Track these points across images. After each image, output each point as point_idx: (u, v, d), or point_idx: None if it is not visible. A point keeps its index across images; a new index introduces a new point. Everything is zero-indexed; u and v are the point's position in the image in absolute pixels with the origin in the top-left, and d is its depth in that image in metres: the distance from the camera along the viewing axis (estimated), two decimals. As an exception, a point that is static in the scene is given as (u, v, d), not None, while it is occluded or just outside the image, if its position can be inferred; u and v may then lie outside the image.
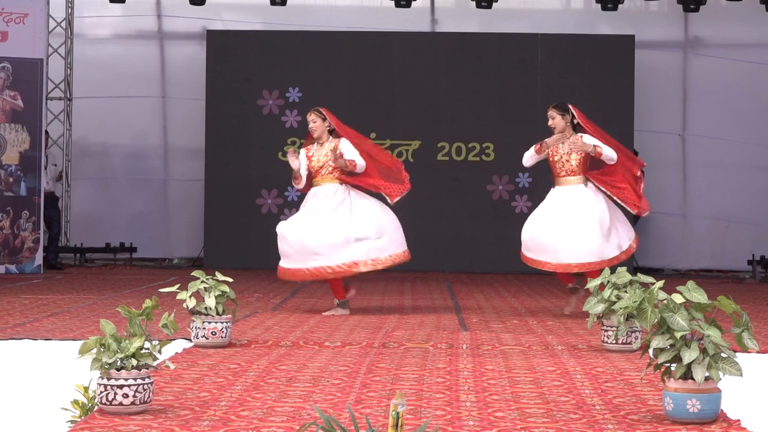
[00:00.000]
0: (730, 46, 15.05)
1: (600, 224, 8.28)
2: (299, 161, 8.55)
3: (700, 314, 4.26)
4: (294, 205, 14.58)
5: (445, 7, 15.57)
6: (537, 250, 8.46)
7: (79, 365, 4.65)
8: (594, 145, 8.33)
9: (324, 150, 8.50)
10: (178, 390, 4.88)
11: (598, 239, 8.26)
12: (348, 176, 8.48)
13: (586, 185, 8.46)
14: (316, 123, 8.52)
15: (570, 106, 8.56)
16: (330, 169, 8.46)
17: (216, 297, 6.49)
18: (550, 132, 15.17)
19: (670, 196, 15.04)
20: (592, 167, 8.51)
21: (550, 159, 8.52)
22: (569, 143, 8.42)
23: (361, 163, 8.41)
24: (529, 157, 8.58)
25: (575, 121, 8.51)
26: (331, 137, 8.56)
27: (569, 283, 8.55)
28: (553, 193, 8.54)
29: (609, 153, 8.35)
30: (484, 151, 14.58)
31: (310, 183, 8.61)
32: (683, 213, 15.15)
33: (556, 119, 8.52)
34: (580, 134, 8.44)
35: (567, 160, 8.44)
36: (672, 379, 4.22)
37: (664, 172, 14.97)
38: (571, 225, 8.27)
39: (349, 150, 8.45)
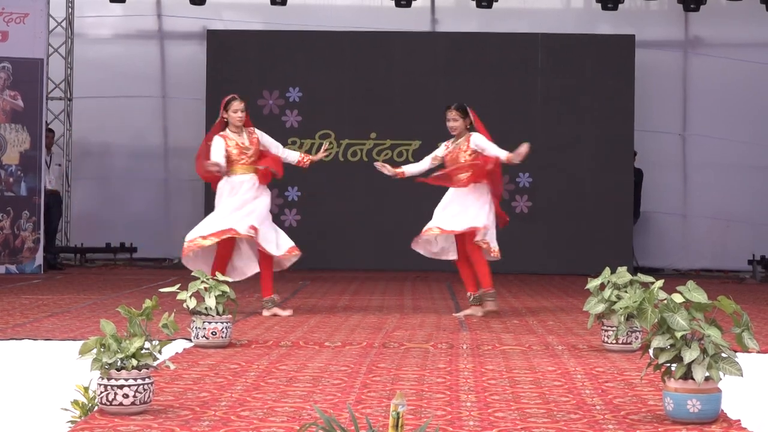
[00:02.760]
0: (731, 45, 15.04)
1: None
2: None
3: (701, 314, 4.26)
4: (294, 205, 14.58)
5: (446, 7, 15.57)
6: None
7: (80, 365, 4.65)
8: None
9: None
10: (179, 390, 4.89)
11: None
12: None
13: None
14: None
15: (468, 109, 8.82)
16: None
17: (216, 297, 6.49)
18: (549, 130, 15.15)
19: (670, 196, 15.05)
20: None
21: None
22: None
23: None
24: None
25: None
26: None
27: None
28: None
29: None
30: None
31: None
32: (683, 213, 15.15)
33: (458, 122, 8.77)
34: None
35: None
36: (672, 379, 4.22)
37: (664, 172, 14.97)
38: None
39: None
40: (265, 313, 8.37)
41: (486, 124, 14.63)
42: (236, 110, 8.48)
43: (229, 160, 8.39)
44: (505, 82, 14.50)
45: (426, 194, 14.48)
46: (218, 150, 8.39)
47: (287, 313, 8.41)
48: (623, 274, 6.35)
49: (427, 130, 14.53)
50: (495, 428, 4.11)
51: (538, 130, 14.50)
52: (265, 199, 8.47)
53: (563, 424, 4.20)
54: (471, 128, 8.81)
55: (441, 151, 8.95)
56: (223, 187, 8.42)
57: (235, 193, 8.37)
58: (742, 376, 4.21)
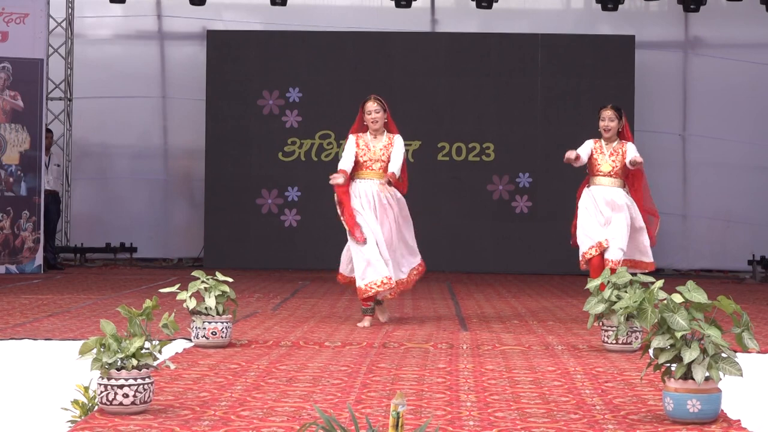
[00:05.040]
0: (730, 46, 15.05)
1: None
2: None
3: (700, 314, 4.26)
4: (294, 205, 14.58)
5: (445, 7, 15.57)
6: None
7: (80, 365, 4.65)
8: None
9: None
10: (179, 390, 4.89)
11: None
12: None
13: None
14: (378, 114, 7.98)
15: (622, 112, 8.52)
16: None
17: (216, 297, 6.49)
18: (549, 130, 15.13)
19: (670, 196, 15.03)
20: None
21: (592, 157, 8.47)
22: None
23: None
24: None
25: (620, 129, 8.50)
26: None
27: None
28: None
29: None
30: (484, 151, 14.57)
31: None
32: (683, 213, 15.15)
33: (614, 122, 8.54)
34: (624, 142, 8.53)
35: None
36: (672, 379, 4.22)
37: (664, 172, 14.96)
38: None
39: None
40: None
41: (486, 124, 14.73)
42: (369, 111, 8.05)
43: (356, 162, 7.93)
44: (505, 82, 14.50)
45: (425, 194, 14.51)
46: (348, 150, 7.93)
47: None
48: (623, 274, 6.35)
49: (427, 130, 14.55)
50: (495, 428, 4.11)
51: (538, 130, 14.51)
52: (391, 212, 7.82)
53: (563, 424, 4.20)
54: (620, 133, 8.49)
55: (587, 149, 8.53)
56: (351, 189, 7.93)
57: (359, 201, 7.85)
58: (742, 376, 4.21)
